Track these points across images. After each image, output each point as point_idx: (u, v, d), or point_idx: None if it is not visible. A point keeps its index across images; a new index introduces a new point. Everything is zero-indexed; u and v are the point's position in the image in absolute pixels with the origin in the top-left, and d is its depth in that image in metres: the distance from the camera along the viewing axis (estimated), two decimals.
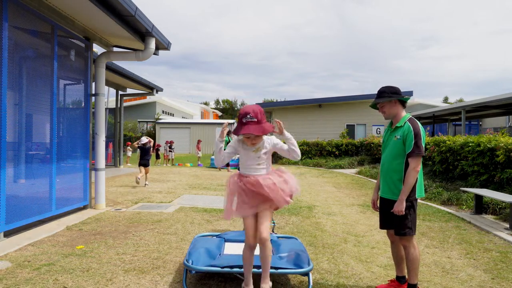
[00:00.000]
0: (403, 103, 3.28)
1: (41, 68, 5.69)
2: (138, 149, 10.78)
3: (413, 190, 3.11)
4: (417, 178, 3.10)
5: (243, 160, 2.81)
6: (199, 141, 20.84)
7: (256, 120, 2.61)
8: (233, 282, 3.45)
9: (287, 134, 2.86)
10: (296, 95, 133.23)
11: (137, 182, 9.94)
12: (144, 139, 10.34)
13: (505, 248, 4.65)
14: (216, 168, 16.59)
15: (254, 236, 2.85)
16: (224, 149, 2.91)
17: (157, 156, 18.67)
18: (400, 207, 3.06)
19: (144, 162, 10.16)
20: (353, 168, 16.84)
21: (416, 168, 3.05)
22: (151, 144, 10.54)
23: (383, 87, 3.30)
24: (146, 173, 10.17)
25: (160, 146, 19.00)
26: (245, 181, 2.76)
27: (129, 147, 19.22)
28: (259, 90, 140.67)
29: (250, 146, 2.75)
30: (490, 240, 5.02)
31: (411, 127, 3.10)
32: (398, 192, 3.11)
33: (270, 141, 2.84)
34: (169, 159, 19.22)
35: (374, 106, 3.42)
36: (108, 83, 14.23)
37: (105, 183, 7.18)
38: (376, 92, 3.33)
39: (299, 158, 2.83)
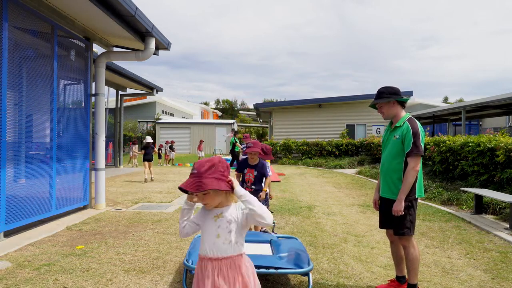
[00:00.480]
0: (402, 103, 3.28)
1: (41, 68, 5.69)
2: (142, 148, 12.47)
3: (413, 190, 3.11)
4: (416, 178, 3.10)
5: (203, 232, 2.07)
6: (201, 142, 20.78)
7: (196, 172, 1.93)
8: None
9: (239, 190, 1.95)
10: (296, 95, 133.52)
11: (150, 180, 11.45)
12: (149, 138, 11.89)
13: (505, 248, 4.65)
14: None
15: None
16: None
17: (159, 156, 18.70)
18: (399, 207, 3.05)
19: (148, 157, 11.57)
20: (353, 168, 16.84)
21: (415, 168, 3.04)
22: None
23: (382, 88, 3.30)
24: (149, 167, 11.43)
25: (162, 146, 19.13)
26: (203, 273, 1.99)
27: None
28: (259, 90, 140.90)
29: (208, 209, 2.05)
30: (490, 240, 5.02)
31: (410, 126, 3.10)
32: (398, 191, 3.11)
33: (236, 207, 2.04)
34: (169, 159, 19.22)
35: (373, 106, 3.43)
36: (108, 83, 14.25)
37: (105, 183, 7.19)
38: (376, 92, 3.34)
39: (268, 222, 1.93)
